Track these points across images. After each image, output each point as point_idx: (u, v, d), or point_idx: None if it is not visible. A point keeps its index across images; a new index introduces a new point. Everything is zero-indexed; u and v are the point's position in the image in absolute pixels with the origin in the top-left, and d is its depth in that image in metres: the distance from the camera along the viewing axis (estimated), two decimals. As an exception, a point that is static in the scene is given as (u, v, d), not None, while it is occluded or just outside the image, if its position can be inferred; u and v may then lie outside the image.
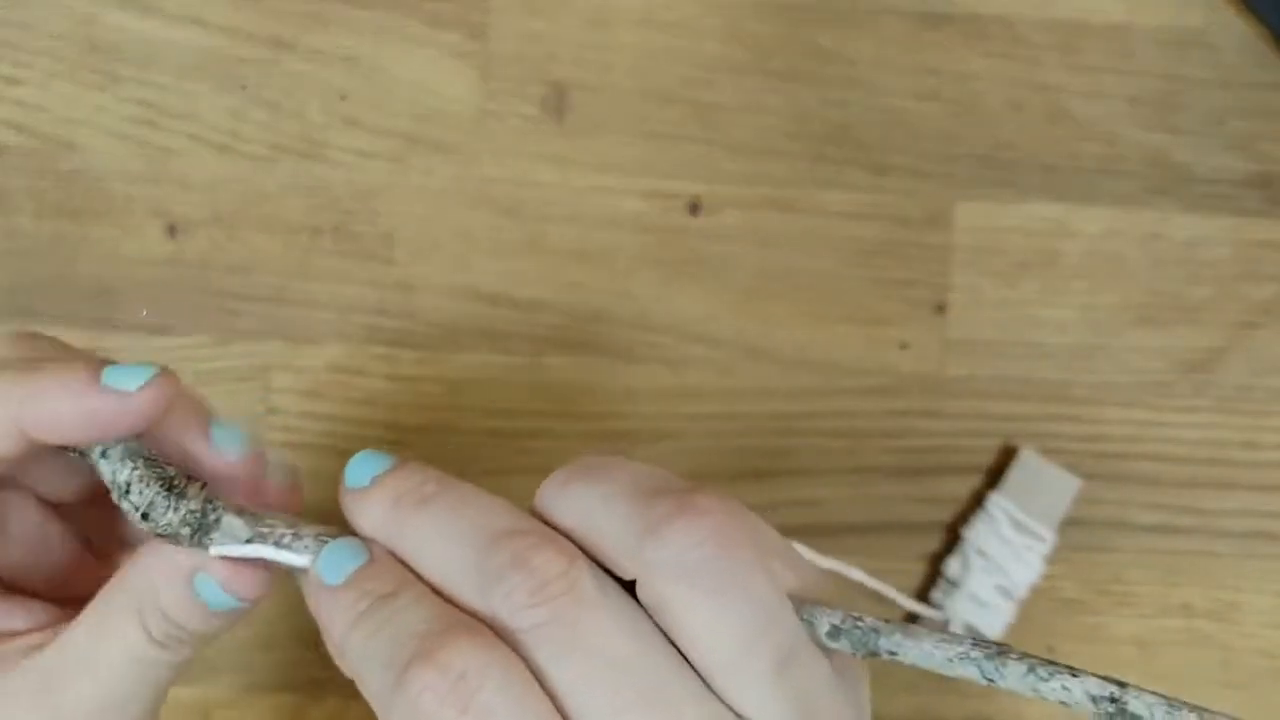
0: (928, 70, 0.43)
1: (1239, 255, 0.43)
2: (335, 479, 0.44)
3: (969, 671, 0.24)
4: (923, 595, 0.43)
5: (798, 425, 0.43)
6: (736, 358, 0.43)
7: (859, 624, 0.24)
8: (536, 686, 0.22)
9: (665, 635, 0.23)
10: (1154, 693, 0.23)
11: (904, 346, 0.43)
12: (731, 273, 0.43)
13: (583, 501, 0.24)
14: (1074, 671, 0.23)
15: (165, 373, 0.26)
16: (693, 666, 0.23)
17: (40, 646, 0.27)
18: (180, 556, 0.26)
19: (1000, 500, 0.42)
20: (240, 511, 0.26)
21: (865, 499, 0.43)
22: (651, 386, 0.43)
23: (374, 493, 0.26)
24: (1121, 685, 0.23)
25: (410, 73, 0.43)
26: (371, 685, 0.23)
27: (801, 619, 0.24)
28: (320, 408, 0.43)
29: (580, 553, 0.23)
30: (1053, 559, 0.42)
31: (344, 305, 0.43)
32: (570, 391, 0.43)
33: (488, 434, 0.43)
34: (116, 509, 0.26)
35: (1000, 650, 0.24)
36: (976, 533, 0.42)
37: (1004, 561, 0.41)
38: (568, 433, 0.43)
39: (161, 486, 0.26)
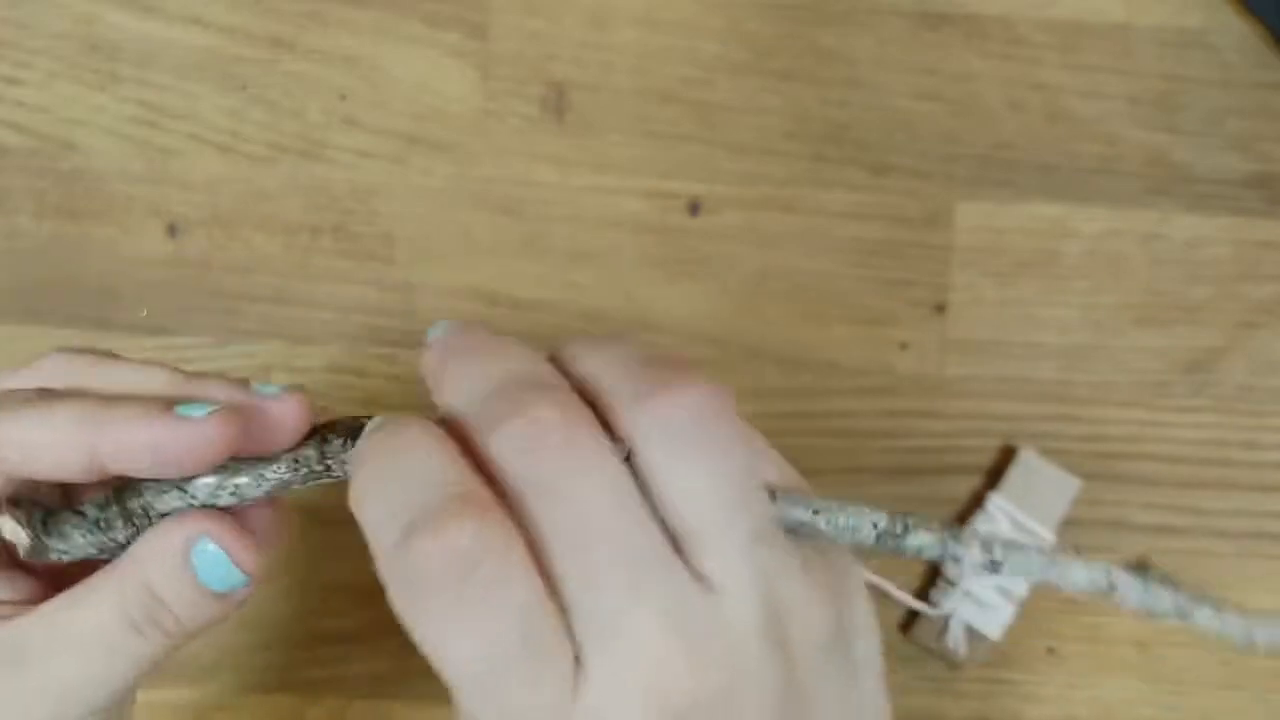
0: (928, 70, 0.43)
1: (1239, 255, 0.43)
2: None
3: (888, 545, 0.26)
4: (923, 595, 0.43)
5: (797, 425, 0.43)
6: (736, 358, 0.43)
7: (826, 517, 0.25)
8: (533, 568, 0.22)
9: (651, 508, 0.23)
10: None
11: (903, 347, 0.43)
12: (731, 273, 0.43)
13: (593, 360, 0.25)
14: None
15: (229, 412, 0.26)
16: (670, 536, 0.23)
17: (11, 617, 0.26)
18: (180, 524, 0.26)
19: (1000, 500, 0.42)
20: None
21: (865, 499, 0.43)
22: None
23: (431, 348, 0.26)
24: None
25: (410, 73, 0.43)
26: (378, 539, 0.24)
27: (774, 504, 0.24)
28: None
29: (586, 412, 0.23)
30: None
31: (344, 305, 0.43)
32: (570, 391, 0.43)
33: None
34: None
35: (910, 517, 0.25)
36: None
37: None
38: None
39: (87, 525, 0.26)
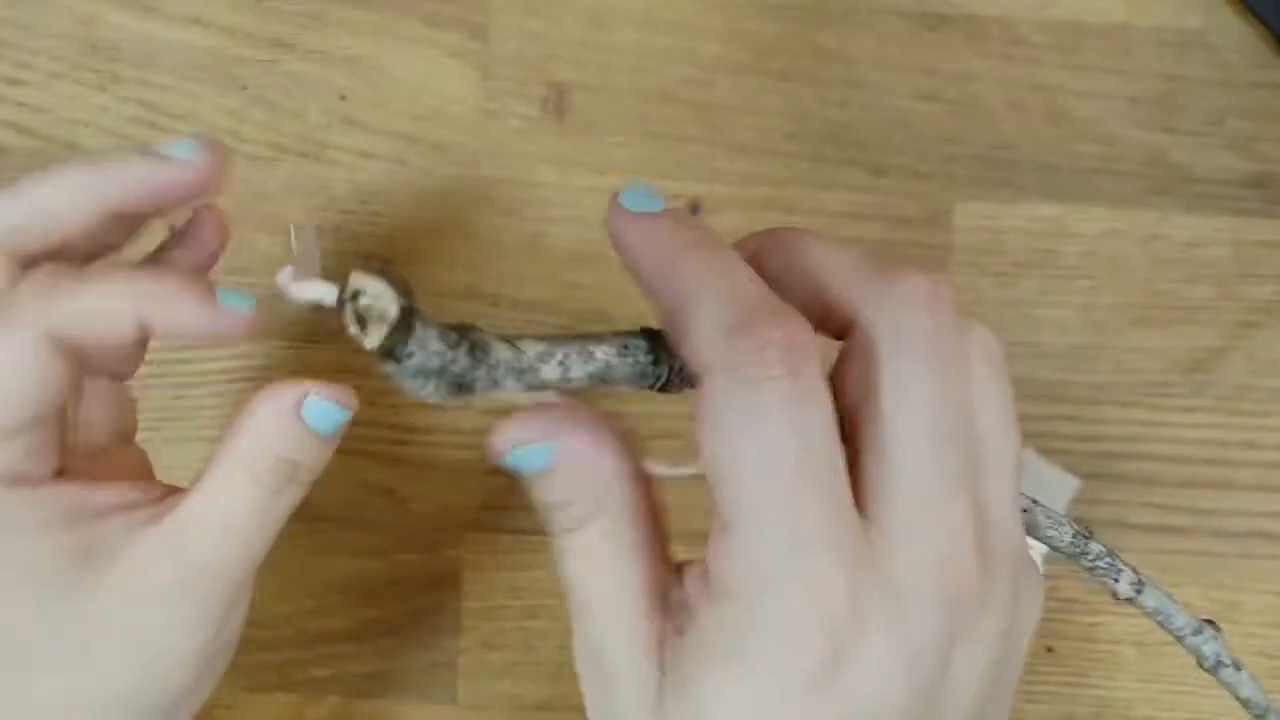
0: (928, 70, 0.43)
1: (1238, 255, 0.43)
2: (335, 479, 0.44)
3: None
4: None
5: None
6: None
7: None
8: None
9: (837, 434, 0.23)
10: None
11: (903, 346, 0.43)
12: (731, 273, 0.43)
13: (818, 246, 0.26)
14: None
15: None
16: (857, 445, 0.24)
17: (163, 514, 0.28)
18: (282, 394, 0.29)
19: None
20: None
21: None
22: (651, 386, 0.43)
23: (658, 219, 0.26)
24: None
25: (410, 73, 0.43)
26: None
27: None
28: (320, 408, 0.43)
29: (812, 337, 0.24)
30: (1052, 558, 0.42)
31: (344, 305, 0.43)
32: (570, 391, 0.43)
33: (488, 434, 0.43)
34: None
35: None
36: None
37: None
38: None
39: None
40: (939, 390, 0.23)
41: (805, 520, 0.22)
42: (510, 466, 0.26)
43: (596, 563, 0.25)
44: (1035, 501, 0.28)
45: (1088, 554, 0.29)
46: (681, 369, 0.25)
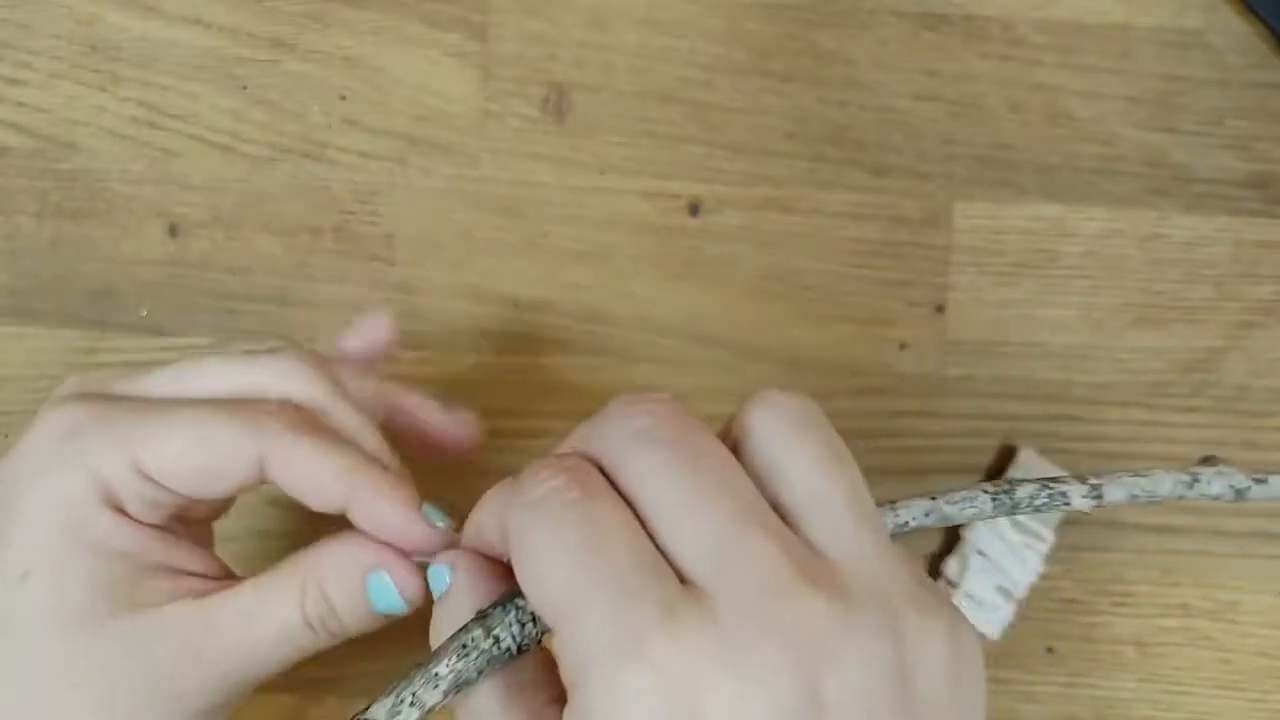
0: (927, 70, 0.43)
1: (1238, 255, 0.43)
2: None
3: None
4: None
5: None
6: (736, 358, 0.43)
7: (945, 500, 0.28)
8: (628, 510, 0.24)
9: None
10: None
11: (903, 347, 0.43)
12: (731, 273, 0.43)
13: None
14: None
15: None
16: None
17: (205, 594, 0.29)
18: (364, 553, 0.29)
19: None
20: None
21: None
22: (651, 386, 0.43)
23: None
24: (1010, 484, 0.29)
25: (410, 73, 0.43)
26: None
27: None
28: (320, 408, 0.43)
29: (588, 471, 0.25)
30: (1052, 559, 0.42)
31: (344, 305, 0.43)
32: (570, 391, 0.43)
33: (488, 434, 0.43)
34: None
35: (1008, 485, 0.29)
36: (976, 533, 0.42)
37: (1003, 561, 0.41)
38: (568, 432, 0.43)
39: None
40: (668, 466, 0.24)
41: (608, 594, 0.23)
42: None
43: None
44: (892, 504, 0.28)
45: (1023, 502, 0.28)
46: (532, 618, 0.26)
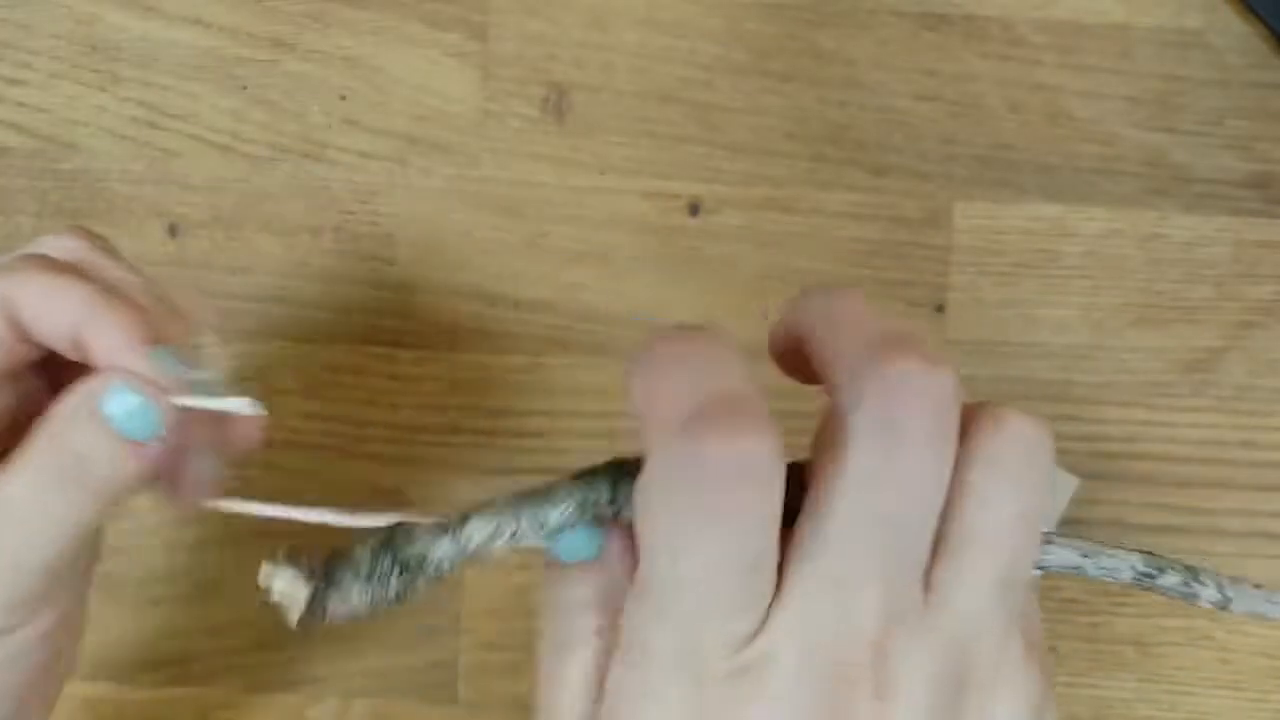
0: (927, 70, 0.43)
1: (1238, 255, 0.43)
2: (336, 478, 0.44)
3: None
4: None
5: (798, 425, 0.43)
6: (736, 358, 0.43)
7: (1094, 561, 0.27)
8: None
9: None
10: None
11: (903, 346, 0.43)
12: (731, 273, 0.43)
13: (834, 307, 0.26)
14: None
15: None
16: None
17: None
18: (88, 384, 0.27)
19: None
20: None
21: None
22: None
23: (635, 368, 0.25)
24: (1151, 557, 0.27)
25: (410, 73, 0.43)
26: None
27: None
28: (320, 408, 0.43)
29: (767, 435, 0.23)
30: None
31: (344, 305, 0.43)
32: (570, 391, 0.43)
33: (488, 434, 0.43)
34: None
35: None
36: None
37: None
38: (568, 432, 0.43)
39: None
40: (883, 470, 0.22)
41: (707, 627, 0.22)
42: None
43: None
44: (1085, 555, 0.27)
45: (1157, 586, 0.28)
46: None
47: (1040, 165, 0.43)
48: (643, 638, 0.22)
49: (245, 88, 0.43)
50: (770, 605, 0.22)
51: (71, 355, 0.28)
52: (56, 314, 0.28)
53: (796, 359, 0.26)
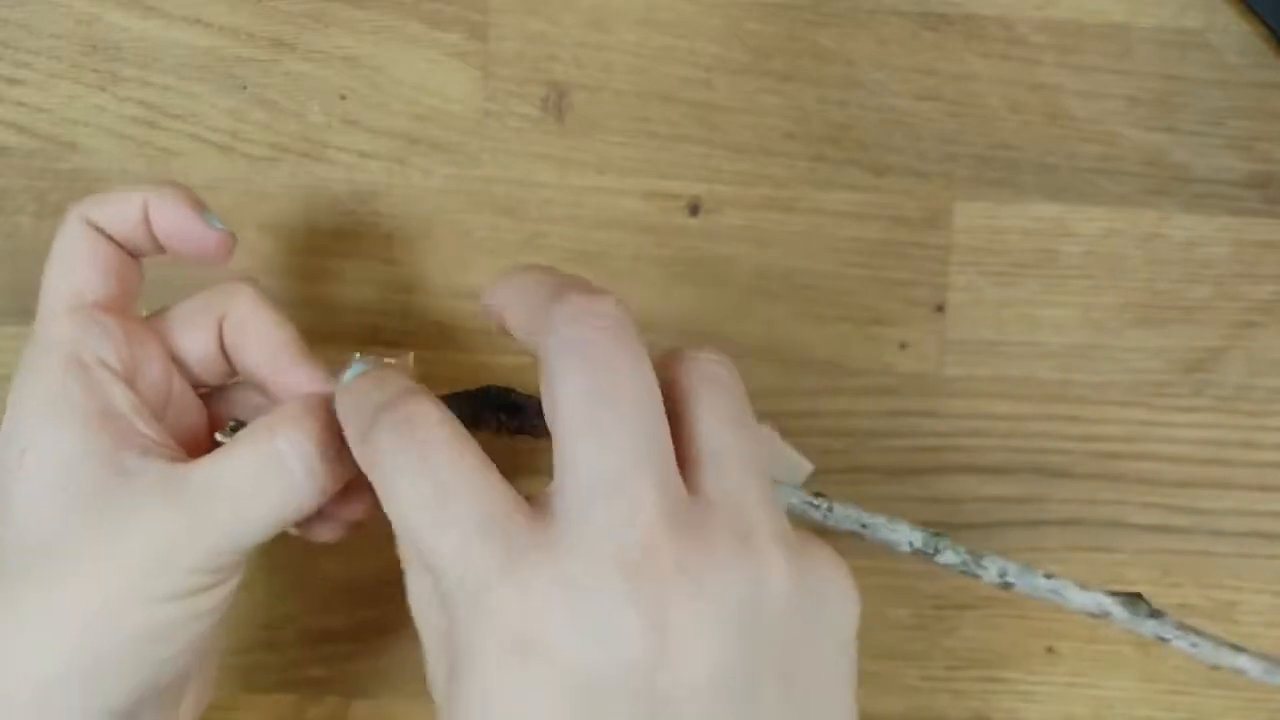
0: (927, 70, 0.43)
1: (1238, 255, 0.43)
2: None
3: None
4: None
5: (797, 425, 0.43)
6: (736, 358, 0.43)
7: (871, 530, 0.33)
8: (465, 434, 0.27)
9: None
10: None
11: (903, 346, 0.43)
12: (731, 273, 0.43)
13: (514, 282, 0.30)
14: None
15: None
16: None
17: (190, 468, 0.30)
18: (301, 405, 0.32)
19: None
20: None
21: (865, 499, 0.43)
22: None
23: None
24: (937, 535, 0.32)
25: (410, 73, 0.43)
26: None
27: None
28: (320, 407, 0.43)
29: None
30: (1051, 559, 0.42)
31: (344, 305, 0.43)
32: (570, 391, 0.43)
33: (487, 434, 0.43)
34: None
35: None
36: None
37: None
38: (567, 432, 0.43)
39: None
40: (591, 384, 0.25)
41: (452, 543, 0.25)
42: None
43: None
44: (864, 526, 0.32)
45: (936, 562, 0.31)
46: None
47: (1040, 165, 0.43)
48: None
49: (245, 88, 0.43)
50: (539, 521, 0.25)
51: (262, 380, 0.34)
52: (125, 208, 0.34)
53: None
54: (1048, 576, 0.31)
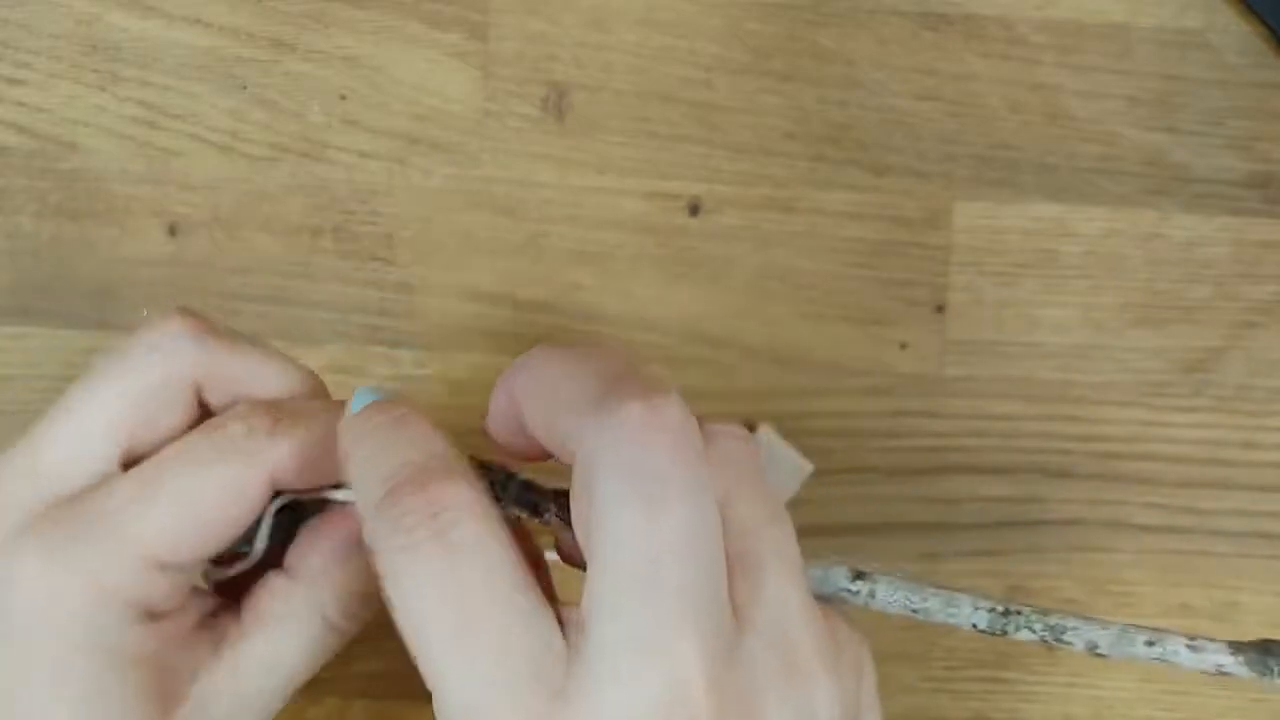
0: (927, 70, 0.43)
1: (1238, 255, 0.43)
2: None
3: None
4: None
5: (797, 425, 0.43)
6: (736, 358, 0.43)
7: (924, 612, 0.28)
8: (506, 536, 0.23)
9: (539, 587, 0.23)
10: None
11: (903, 346, 0.43)
12: (731, 273, 0.43)
13: (543, 371, 0.25)
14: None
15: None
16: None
17: (221, 645, 0.28)
18: (336, 525, 0.28)
19: None
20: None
21: (865, 499, 0.43)
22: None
23: (354, 419, 0.27)
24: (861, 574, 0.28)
25: (410, 73, 0.43)
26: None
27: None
28: (320, 407, 0.43)
29: (466, 492, 0.23)
30: (1051, 559, 0.42)
31: (344, 305, 0.43)
32: (570, 391, 0.43)
33: (486, 434, 0.43)
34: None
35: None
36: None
37: None
38: (567, 432, 0.43)
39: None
40: (647, 527, 0.22)
41: (472, 684, 0.22)
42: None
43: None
44: (916, 608, 0.28)
45: (1016, 638, 0.28)
46: None
47: (1040, 165, 0.43)
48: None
49: (245, 88, 0.43)
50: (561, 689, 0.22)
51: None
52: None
53: (516, 429, 0.26)
54: (1149, 644, 0.27)
